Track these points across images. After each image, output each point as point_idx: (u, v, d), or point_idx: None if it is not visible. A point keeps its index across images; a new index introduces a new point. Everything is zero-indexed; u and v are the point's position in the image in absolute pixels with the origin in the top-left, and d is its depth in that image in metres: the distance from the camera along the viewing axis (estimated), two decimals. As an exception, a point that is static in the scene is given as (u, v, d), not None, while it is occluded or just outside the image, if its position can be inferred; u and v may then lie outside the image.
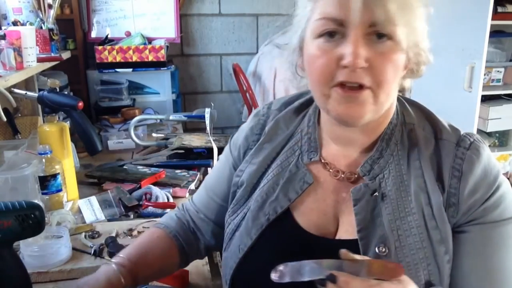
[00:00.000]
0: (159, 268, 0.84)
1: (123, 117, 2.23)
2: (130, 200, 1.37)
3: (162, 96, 2.60)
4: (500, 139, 2.87)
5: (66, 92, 2.20)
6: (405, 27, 0.62)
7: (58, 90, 1.39)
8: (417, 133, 0.71)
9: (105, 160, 1.79)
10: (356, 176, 0.73)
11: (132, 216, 1.32)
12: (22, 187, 1.21)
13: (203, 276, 1.00)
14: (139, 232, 1.17)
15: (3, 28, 1.79)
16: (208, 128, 1.81)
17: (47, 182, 1.25)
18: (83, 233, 1.15)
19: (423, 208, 0.67)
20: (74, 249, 1.06)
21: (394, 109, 0.73)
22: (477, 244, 0.67)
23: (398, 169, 0.70)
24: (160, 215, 1.23)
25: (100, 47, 2.42)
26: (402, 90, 0.73)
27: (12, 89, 1.47)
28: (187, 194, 1.49)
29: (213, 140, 1.76)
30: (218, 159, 1.09)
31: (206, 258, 1.08)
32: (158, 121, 2.26)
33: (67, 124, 1.38)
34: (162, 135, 2.06)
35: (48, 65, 1.89)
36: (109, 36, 2.60)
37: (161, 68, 2.50)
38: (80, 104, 1.33)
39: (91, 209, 1.29)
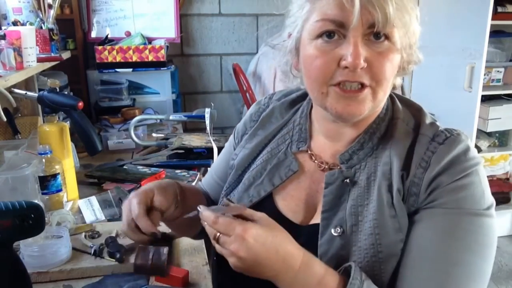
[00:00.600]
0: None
1: (123, 117, 2.23)
2: (130, 200, 1.37)
3: (162, 96, 2.60)
4: (500, 139, 2.87)
5: (66, 92, 2.20)
6: (402, 28, 0.64)
7: (58, 90, 1.39)
8: (398, 127, 0.72)
9: (105, 160, 1.79)
10: (338, 167, 0.74)
11: (132, 216, 1.32)
12: (22, 187, 1.21)
13: (203, 276, 1.00)
14: (139, 232, 1.17)
15: (3, 28, 1.79)
16: (208, 128, 1.81)
17: (47, 182, 1.25)
18: (83, 233, 1.15)
19: (383, 196, 0.67)
20: (74, 249, 1.06)
21: (383, 105, 0.73)
22: (428, 226, 0.65)
23: (375, 161, 0.71)
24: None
25: (100, 47, 2.42)
26: (393, 87, 0.74)
27: (12, 89, 1.47)
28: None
29: (213, 140, 1.76)
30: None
31: (206, 258, 1.08)
32: (158, 121, 2.26)
33: (67, 124, 1.38)
34: (162, 135, 2.06)
35: (48, 65, 1.89)
36: (109, 36, 2.60)
37: (161, 68, 2.50)
38: (80, 104, 1.33)
39: (91, 209, 1.29)
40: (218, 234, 0.60)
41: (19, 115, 1.81)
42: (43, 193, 1.26)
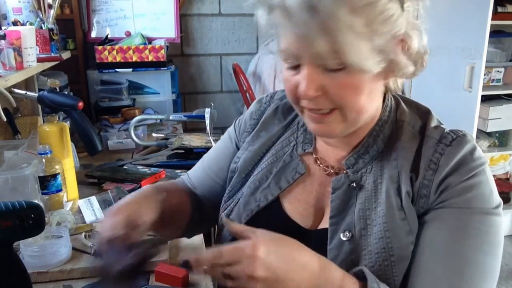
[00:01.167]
0: (177, 208, 0.82)
1: (123, 117, 2.23)
2: (130, 200, 1.37)
3: (162, 96, 2.60)
4: (500, 139, 2.87)
5: (66, 92, 2.20)
6: (359, 51, 0.59)
7: (58, 90, 1.39)
8: (405, 129, 0.71)
9: (105, 160, 1.79)
10: (344, 172, 0.74)
11: (132, 216, 1.32)
12: (22, 187, 1.21)
13: (203, 276, 1.00)
14: (139, 232, 1.17)
15: (3, 28, 1.79)
16: (208, 128, 1.82)
17: (47, 182, 1.25)
18: (83, 233, 1.15)
19: (392, 199, 0.67)
20: (74, 249, 1.06)
21: (385, 108, 0.73)
22: (440, 227, 0.65)
23: (381, 164, 0.71)
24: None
25: (100, 47, 2.42)
26: (394, 89, 0.73)
27: (12, 89, 1.47)
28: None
29: (213, 140, 1.76)
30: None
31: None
32: (158, 121, 2.26)
33: (67, 124, 1.38)
34: (162, 135, 2.06)
35: (48, 65, 1.89)
36: (109, 36, 2.61)
37: (161, 68, 2.50)
38: (80, 104, 1.33)
39: (91, 209, 1.28)
40: (225, 270, 0.56)
41: (19, 115, 1.81)
42: (43, 193, 1.26)
